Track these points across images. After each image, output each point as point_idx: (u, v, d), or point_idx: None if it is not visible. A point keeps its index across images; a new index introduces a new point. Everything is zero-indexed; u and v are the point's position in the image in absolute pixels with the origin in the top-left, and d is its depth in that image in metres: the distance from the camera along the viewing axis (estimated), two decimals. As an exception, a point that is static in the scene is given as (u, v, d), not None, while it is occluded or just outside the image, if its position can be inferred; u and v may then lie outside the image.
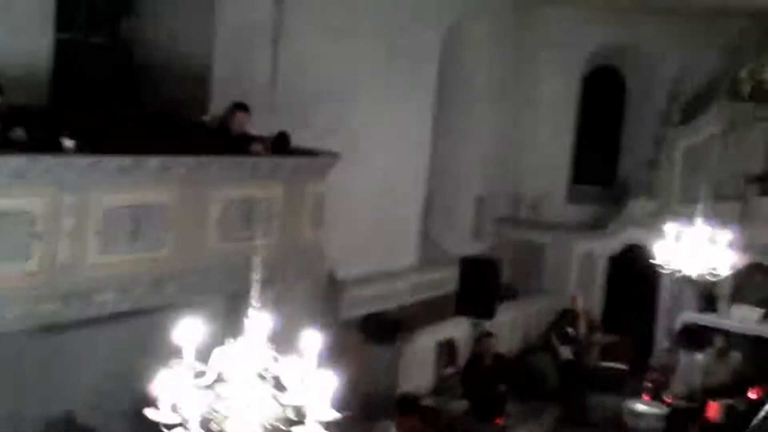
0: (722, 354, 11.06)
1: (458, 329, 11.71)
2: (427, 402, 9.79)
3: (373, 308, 11.21)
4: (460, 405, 10.43)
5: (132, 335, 7.07)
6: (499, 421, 10.41)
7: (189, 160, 6.51)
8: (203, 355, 4.10)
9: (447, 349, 11.61)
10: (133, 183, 6.18)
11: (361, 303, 11.09)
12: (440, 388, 11.24)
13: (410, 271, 12.35)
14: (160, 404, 3.95)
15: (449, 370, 11.47)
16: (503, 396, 10.33)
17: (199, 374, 4.15)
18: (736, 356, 11.19)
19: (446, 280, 12.61)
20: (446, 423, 8.56)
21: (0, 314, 5.54)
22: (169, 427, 3.96)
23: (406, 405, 8.26)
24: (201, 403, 4.02)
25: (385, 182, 11.47)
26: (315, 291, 9.36)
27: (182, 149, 6.52)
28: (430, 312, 11.95)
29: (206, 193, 6.81)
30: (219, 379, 4.16)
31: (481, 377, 10.24)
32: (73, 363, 7.29)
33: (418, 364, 11.10)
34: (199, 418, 4.01)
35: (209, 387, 4.11)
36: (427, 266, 12.69)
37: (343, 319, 10.61)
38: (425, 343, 11.30)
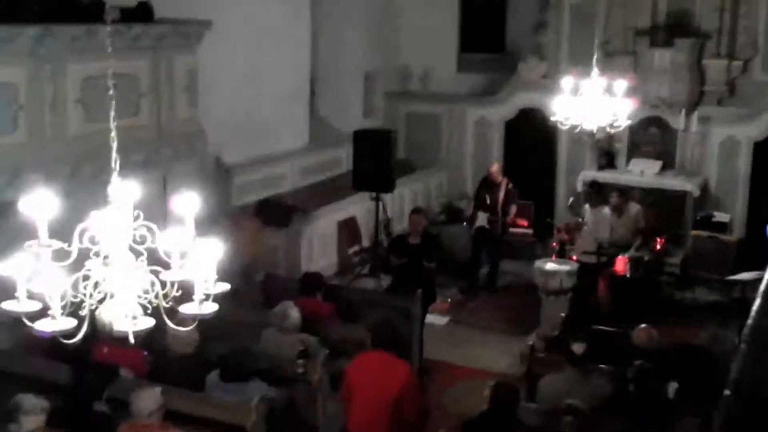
0: (619, 209, 10.92)
1: (358, 207, 11.31)
2: (334, 282, 9.33)
3: (266, 193, 10.79)
4: (370, 282, 10.02)
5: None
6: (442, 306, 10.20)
7: (32, 30, 5.70)
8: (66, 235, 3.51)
9: (348, 228, 11.18)
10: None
11: (253, 188, 10.67)
12: (346, 267, 10.85)
13: (301, 152, 11.80)
14: (17, 293, 3.37)
15: (353, 249, 11.07)
16: (431, 273, 9.39)
17: (62, 253, 3.59)
18: (635, 208, 11.06)
19: (340, 159, 12.25)
20: (351, 300, 8.10)
21: None
22: (32, 317, 3.40)
23: (308, 284, 7.76)
24: (64, 285, 3.47)
25: (263, 61, 10.76)
26: (202, 176, 8.72)
27: (23, 18, 5.70)
28: (326, 193, 11.53)
29: (60, 69, 6.03)
30: (86, 258, 3.61)
31: (405, 255, 9.31)
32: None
33: (320, 246, 10.76)
34: (65, 303, 3.47)
35: (74, 267, 3.56)
36: (319, 147, 12.16)
37: (236, 206, 10.07)
38: (325, 223, 10.96)
